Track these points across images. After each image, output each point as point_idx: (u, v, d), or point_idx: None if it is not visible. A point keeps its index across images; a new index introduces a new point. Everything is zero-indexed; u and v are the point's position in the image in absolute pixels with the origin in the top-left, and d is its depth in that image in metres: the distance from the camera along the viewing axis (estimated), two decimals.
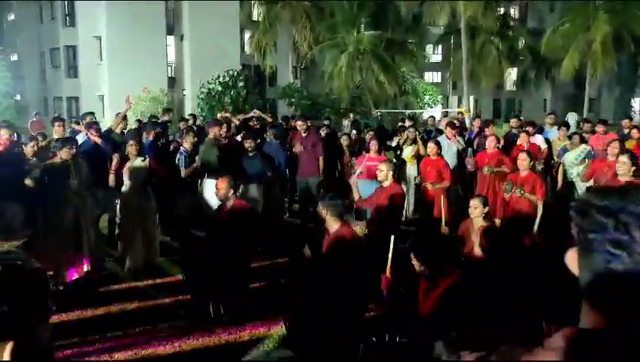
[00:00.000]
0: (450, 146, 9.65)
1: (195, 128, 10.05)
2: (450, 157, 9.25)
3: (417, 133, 10.63)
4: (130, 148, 7.23)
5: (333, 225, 4.45)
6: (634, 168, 6.38)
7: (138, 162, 7.18)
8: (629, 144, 9.96)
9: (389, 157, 8.75)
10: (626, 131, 10.86)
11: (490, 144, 8.52)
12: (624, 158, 6.47)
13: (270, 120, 10.84)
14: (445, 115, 17.32)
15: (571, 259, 1.05)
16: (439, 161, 8.15)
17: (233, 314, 5.50)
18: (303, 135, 9.19)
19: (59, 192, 6.52)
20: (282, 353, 1.09)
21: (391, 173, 6.34)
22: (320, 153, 9.10)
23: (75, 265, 6.60)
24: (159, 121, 10.99)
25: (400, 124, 13.23)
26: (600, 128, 10.46)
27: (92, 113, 9.59)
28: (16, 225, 6.74)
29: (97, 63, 29.18)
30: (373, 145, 8.58)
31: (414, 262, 3.55)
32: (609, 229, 0.95)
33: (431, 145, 8.28)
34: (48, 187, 6.53)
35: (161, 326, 5.42)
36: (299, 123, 9.45)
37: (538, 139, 10.16)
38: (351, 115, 19.57)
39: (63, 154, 6.59)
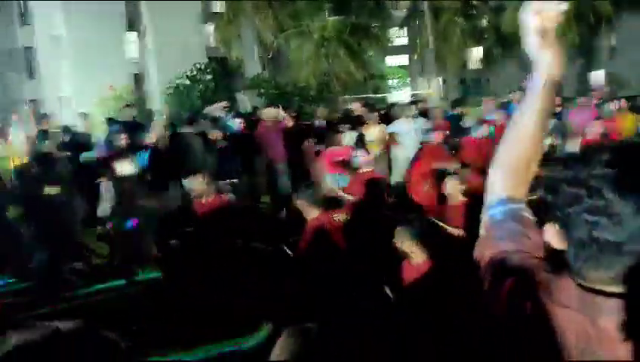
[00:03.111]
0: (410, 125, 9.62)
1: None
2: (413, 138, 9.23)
3: (378, 115, 10.50)
4: (123, 143, 6.93)
5: (311, 213, 4.39)
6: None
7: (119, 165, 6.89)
8: None
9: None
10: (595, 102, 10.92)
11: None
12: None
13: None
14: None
15: (551, 234, 1.05)
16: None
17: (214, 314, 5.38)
18: (269, 125, 9.05)
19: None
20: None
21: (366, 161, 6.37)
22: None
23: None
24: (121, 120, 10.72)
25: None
26: (581, 100, 10.46)
27: (50, 115, 9.34)
28: None
29: (59, 63, 28.46)
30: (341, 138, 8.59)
31: (404, 241, 3.48)
32: (584, 199, 0.94)
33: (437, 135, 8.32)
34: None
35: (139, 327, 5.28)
36: (265, 111, 9.26)
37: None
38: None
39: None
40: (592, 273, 0.96)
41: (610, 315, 0.94)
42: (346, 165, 8.33)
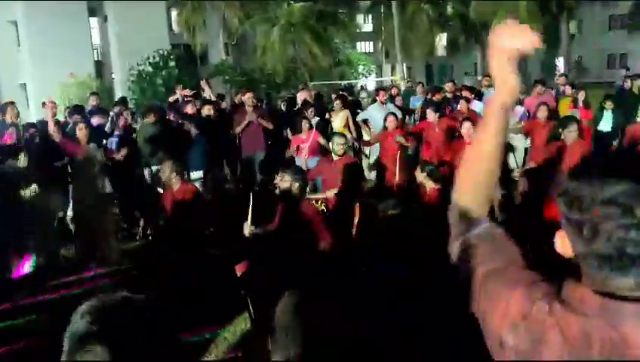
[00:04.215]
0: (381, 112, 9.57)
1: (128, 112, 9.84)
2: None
3: (344, 101, 10.44)
4: (80, 132, 6.70)
5: (297, 198, 4.35)
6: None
7: (90, 149, 6.69)
8: (565, 102, 10.29)
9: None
10: (562, 89, 11.16)
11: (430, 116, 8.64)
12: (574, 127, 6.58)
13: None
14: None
15: (563, 244, 1.06)
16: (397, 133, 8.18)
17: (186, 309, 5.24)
18: (249, 110, 8.94)
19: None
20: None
21: (344, 147, 6.39)
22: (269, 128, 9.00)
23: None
24: (87, 107, 10.48)
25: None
26: (538, 88, 10.64)
27: (12, 103, 9.00)
28: None
29: (15, 50, 27.53)
30: (305, 124, 8.53)
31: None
32: (617, 217, 0.96)
33: (390, 119, 8.21)
34: None
35: None
36: (247, 96, 9.10)
37: (478, 106, 10.15)
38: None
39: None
40: (617, 282, 0.98)
41: (634, 319, 0.96)
42: (314, 149, 8.34)
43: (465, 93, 10.61)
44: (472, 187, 1.29)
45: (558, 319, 1.01)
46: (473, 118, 8.34)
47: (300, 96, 11.03)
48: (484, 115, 1.32)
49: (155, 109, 8.76)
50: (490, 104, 1.29)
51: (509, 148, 8.98)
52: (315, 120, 9.39)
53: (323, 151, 7.93)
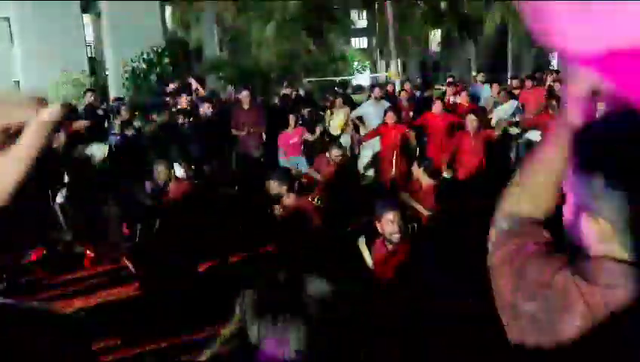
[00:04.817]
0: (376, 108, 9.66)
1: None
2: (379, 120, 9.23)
3: (343, 98, 10.59)
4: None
5: (290, 197, 4.38)
6: None
7: (96, 148, 6.67)
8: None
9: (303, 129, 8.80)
10: (553, 85, 11.27)
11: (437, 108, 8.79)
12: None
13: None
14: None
15: (596, 232, 1.02)
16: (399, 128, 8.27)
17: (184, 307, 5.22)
18: (245, 107, 8.92)
19: None
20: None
21: (342, 157, 6.51)
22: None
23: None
24: (81, 106, 10.46)
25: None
26: (528, 83, 10.91)
27: None
28: None
29: (8, 47, 27.37)
30: (292, 120, 8.58)
31: (391, 221, 3.44)
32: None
33: (389, 114, 8.25)
34: None
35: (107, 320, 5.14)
36: (244, 94, 9.08)
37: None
38: None
39: None
40: None
41: None
42: (298, 148, 8.41)
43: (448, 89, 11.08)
44: (535, 192, 1.20)
45: (582, 290, 0.98)
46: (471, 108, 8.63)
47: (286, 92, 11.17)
48: (551, 129, 1.24)
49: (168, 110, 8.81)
50: (559, 121, 1.18)
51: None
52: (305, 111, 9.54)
53: (309, 147, 8.04)
